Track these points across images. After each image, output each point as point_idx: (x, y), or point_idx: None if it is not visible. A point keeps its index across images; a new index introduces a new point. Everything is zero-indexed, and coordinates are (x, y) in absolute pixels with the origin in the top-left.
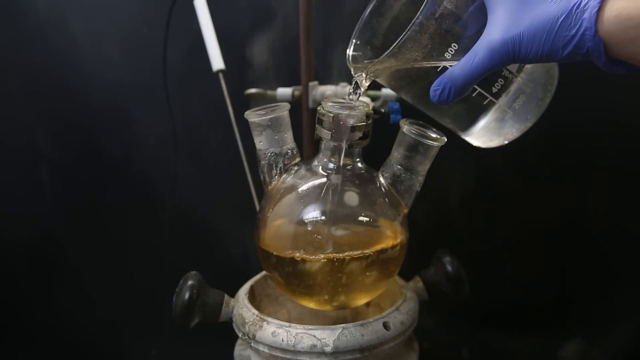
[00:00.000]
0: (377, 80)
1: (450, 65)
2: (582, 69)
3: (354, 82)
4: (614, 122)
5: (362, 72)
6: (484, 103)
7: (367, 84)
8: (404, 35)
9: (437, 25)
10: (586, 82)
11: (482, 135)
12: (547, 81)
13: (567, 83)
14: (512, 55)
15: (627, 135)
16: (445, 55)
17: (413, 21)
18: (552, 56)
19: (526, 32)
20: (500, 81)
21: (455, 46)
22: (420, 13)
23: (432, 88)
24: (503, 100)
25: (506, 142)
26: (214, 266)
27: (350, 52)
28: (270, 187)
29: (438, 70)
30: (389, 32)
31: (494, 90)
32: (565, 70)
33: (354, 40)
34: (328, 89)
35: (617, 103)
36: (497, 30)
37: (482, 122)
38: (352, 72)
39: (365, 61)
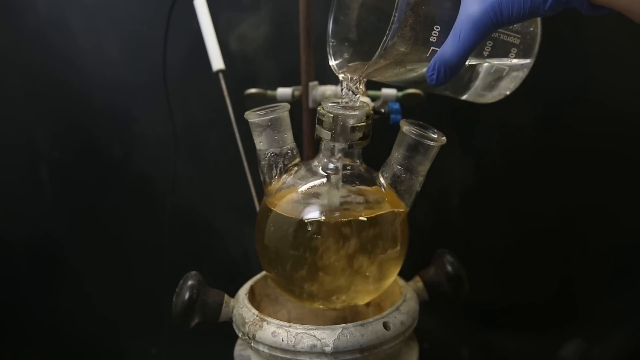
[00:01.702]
0: (372, 79)
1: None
2: (581, 63)
3: (346, 88)
4: (614, 118)
5: (351, 74)
6: (480, 69)
7: (362, 87)
8: (386, 38)
9: (415, 14)
10: (585, 78)
11: (484, 94)
12: (530, 24)
13: (566, 80)
14: (495, 21)
15: (627, 132)
16: (430, 39)
17: (391, 20)
18: (535, 12)
19: None
20: (489, 43)
21: (437, 27)
22: (396, 10)
23: (427, 73)
24: (497, 59)
25: (508, 92)
26: (214, 266)
27: (333, 62)
28: (270, 188)
29: (427, 55)
30: (360, 22)
31: (486, 53)
32: (565, 67)
33: (331, 43)
34: (328, 89)
35: (617, 98)
36: (474, 1)
37: (482, 84)
38: (341, 78)
39: (350, 64)
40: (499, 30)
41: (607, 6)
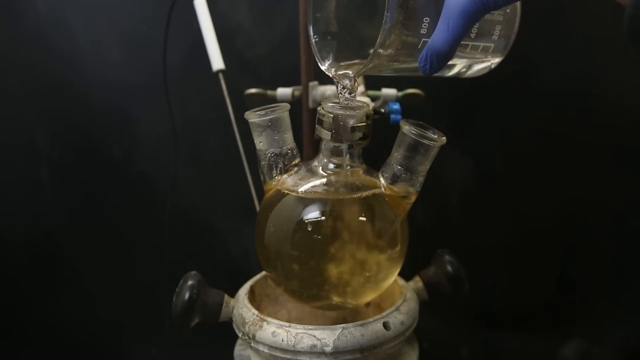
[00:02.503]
0: (365, 74)
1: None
2: (581, 56)
3: (341, 88)
4: (616, 114)
5: (344, 71)
6: (467, 50)
7: (357, 86)
8: (380, 39)
9: (405, 10)
10: (584, 77)
11: (472, 71)
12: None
13: (566, 76)
14: (483, 8)
15: (631, 129)
16: (421, 31)
17: (384, 20)
18: None
19: None
20: (476, 25)
21: (427, 19)
22: (387, 10)
23: (420, 64)
24: (483, 39)
25: (494, 66)
26: (214, 266)
27: (323, 66)
28: (270, 188)
29: (419, 47)
30: (339, 11)
31: (473, 35)
32: (564, 63)
33: (313, 40)
34: (328, 89)
35: (619, 92)
36: None
37: (470, 61)
38: (336, 79)
39: (341, 63)
40: None
41: None
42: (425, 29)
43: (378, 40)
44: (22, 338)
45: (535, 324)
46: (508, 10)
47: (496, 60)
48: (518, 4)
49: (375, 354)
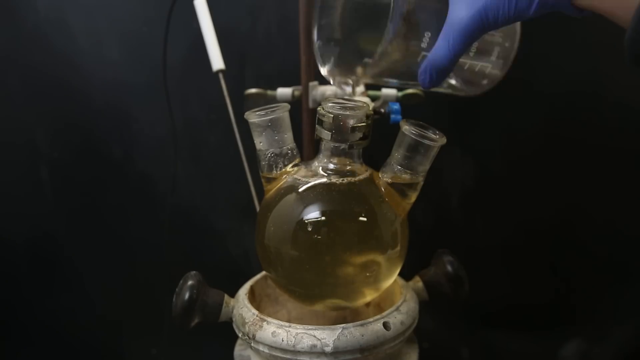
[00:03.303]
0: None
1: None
2: (583, 58)
3: (341, 86)
4: (617, 115)
5: (343, 77)
6: (465, 68)
7: (356, 88)
8: (380, 48)
9: (407, 24)
10: (585, 77)
11: (468, 88)
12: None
13: (566, 77)
14: (482, 27)
15: (631, 130)
16: (422, 45)
17: (385, 32)
18: (520, 16)
19: (490, 1)
20: (475, 44)
21: (428, 34)
22: (390, 21)
23: (420, 78)
24: (482, 59)
25: (487, 87)
26: (214, 266)
27: (325, 69)
28: (270, 188)
29: (419, 60)
30: (344, 20)
31: (471, 54)
32: (565, 63)
33: (317, 44)
34: (328, 89)
35: (620, 93)
36: (462, 7)
37: (466, 79)
38: (335, 84)
39: (343, 69)
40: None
41: (591, 10)
42: (426, 43)
43: (378, 49)
44: (22, 338)
45: (535, 324)
46: (508, 40)
47: (492, 77)
48: (518, 28)
49: (375, 354)
